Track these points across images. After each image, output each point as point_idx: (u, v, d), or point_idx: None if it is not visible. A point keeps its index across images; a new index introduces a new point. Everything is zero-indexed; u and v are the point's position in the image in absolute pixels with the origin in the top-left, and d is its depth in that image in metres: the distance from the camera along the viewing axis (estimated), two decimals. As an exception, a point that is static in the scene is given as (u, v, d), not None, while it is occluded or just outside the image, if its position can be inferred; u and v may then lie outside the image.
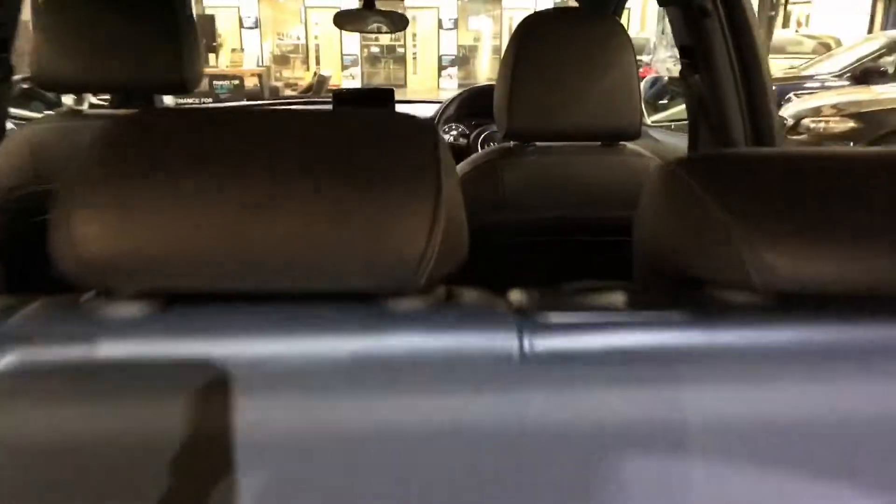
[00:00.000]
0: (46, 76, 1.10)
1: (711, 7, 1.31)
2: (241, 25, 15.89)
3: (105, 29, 1.10)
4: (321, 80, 10.50)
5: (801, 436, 0.45)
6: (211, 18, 10.93)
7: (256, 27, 16.10)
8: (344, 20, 2.08)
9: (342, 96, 2.41)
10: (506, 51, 1.21)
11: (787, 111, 6.26)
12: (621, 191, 1.24)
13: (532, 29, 1.19)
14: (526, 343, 0.45)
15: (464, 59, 18.39)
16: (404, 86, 17.97)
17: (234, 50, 13.64)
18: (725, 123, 1.38)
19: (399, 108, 2.44)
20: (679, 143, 1.69)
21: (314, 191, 0.43)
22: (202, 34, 9.28)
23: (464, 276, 1.33)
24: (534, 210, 1.24)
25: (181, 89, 1.16)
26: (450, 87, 17.63)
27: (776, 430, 0.45)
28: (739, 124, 1.37)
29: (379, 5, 2.09)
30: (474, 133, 2.23)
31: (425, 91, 17.17)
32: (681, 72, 1.48)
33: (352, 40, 15.89)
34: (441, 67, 17.83)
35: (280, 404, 0.43)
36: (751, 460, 0.45)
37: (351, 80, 17.26)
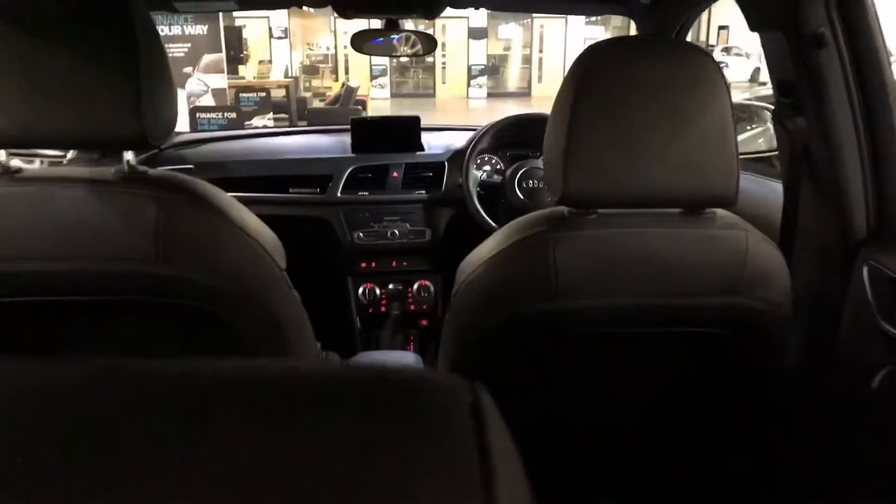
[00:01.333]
0: None
1: (830, 35, 1.01)
2: (271, 36, 15.86)
3: (43, 67, 0.84)
4: (349, 91, 10.32)
5: None
6: (238, 30, 10.81)
7: (286, 37, 16.06)
8: (363, 43, 1.81)
9: (362, 125, 2.14)
10: (560, 91, 0.93)
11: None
12: (710, 272, 0.95)
13: (595, 64, 0.90)
14: None
15: (493, 69, 18.15)
16: (433, 95, 17.79)
17: (261, 62, 13.55)
18: (839, 179, 1.08)
19: (426, 135, 2.16)
20: (768, 194, 1.38)
21: None
22: (229, 46, 9.15)
23: (512, 373, 1.01)
24: (593, 297, 0.95)
25: (140, 144, 0.90)
26: (479, 97, 17.41)
27: None
28: (858, 183, 1.07)
29: (408, 25, 1.82)
30: (511, 169, 1.94)
31: (454, 100, 16.96)
32: (776, 111, 1.18)
33: (380, 50, 15.75)
34: (470, 77, 17.61)
35: None
36: None
37: (380, 90, 17.13)
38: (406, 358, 1.44)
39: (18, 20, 0.84)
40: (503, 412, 1.06)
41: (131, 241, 0.90)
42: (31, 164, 1.06)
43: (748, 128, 2.46)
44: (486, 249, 1.02)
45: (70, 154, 1.74)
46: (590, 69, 0.90)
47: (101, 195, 0.90)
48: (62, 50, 0.84)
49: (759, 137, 2.34)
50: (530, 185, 1.92)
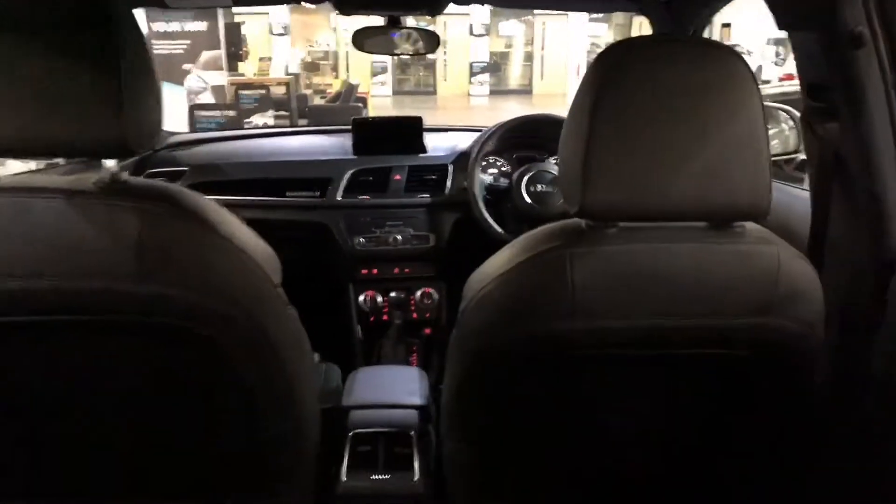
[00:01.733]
0: None
1: (868, 34, 0.93)
2: (271, 32, 15.78)
3: (16, 75, 0.78)
4: (349, 89, 10.25)
5: None
6: (238, 27, 10.72)
7: (286, 34, 15.98)
8: (364, 40, 1.73)
9: (363, 126, 2.06)
10: (579, 93, 0.86)
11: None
12: (740, 291, 0.88)
13: (617, 65, 0.83)
14: None
15: (495, 66, 18.06)
16: (434, 93, 17.72)
17: (261, 59, 13.45)
18: (875, 192, 1.00)
19: (429, 136, 2.09)
20: (793, 202, 1.31)
21: None
22: (229, 43, 9.06)
23: (523, 397, 0.94)
24: (614, 317, 0.88)
25: (122, 153, 0.83)
26: (480, 94, 17.33)
27: None
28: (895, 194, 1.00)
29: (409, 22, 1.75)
30: (518, 172, 1.87)
31: (456, 97, 16.89)
32: (805, 115, 1.11)
33: (381, 47, 15.67)
34: (472, 74, 17.54)
35: None
36: None
37: (381, 87, 17.06)
38: (409, 373, 1.37)
39: None
40: (513, 439, 0.99)
41: (112, 256, 0.82)
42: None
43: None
44: (497, 264, 0.95)
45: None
46: (611, 70, 0.83)
47: (80, 207, 0.82)
48: (37, 52, 0.78)
49: (773, 139, 2.26)
50: (539, 189, 1.84)
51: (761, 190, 0.84)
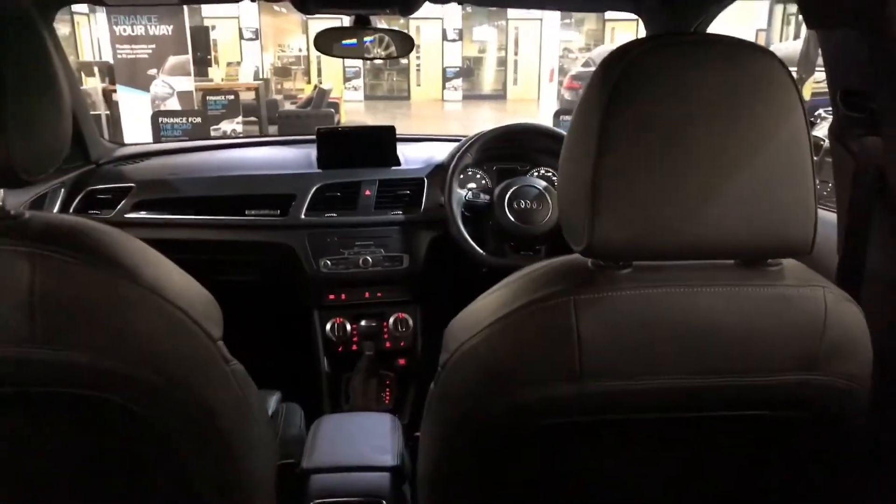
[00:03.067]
0: None
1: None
2: (242, 37, 15.55)
3: None
4: (321, 94, 10.06)
5: None
6: (205, 30, 10.46)
7: (257, 39, 15.76)
8: (328, 41, 1.55)
9: (329, 137, 1.89)
10: (583, 104, 0.70)
11: (821, 130, 5.78)
12: (780, 343, 0.73)
13: (631, 71, 0.67)
14: None
15: (468, 71, 17.98)
16: (408, 98, 17.58)
17: (230, 63, 13.19)
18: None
19: (402, 147, 1.92)
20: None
21: None
22: (196, 47, 8.80)
23: (518, 473, 0.75)
24: (630, 376, 0.72)
25: (8, 181, 0.65)
26: (454, 99, 17.23)
27: None
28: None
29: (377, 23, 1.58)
30: (500, 187, 1.71)
31: (429, 103, 16.77)
32: (836, 129, 0.96)
33: (354, 52, 15.53)
34: (445, 79, 17.43)
35: None
36: None
37: (353, 92, 16.88)
38: (379, 423, 1.19)
39: None
40: None
41: (1, 314, 0.65)
42: None
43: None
44: (485, 310, 0.78)
45: None
46: (625, 78, 0.67)
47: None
48: None
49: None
50: (523, 206, 1.68)
51: (805, 220, 0.69)
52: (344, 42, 1.55)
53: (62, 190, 1.67)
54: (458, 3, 1.59)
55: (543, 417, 0.75)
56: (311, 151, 1.91)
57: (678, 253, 0.71)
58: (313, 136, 1.91)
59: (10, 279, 0.64)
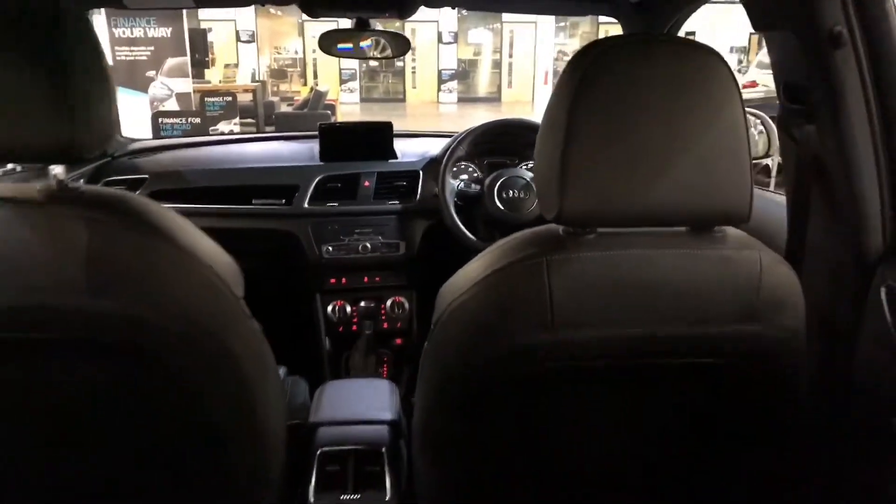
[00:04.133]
0: None
1: (847, 34, 0.92)
2: (238, 39, 15.63)
3: None
4: (317, 95, 10.16)
5: None
6: (203, 33, 10.56)
7: (253, 41, 15.84)
8: (332, 44, 1.68)
9: (331, 132, 2.01)
10: (555, 95, 0.83)
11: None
12: (723, 298, 0.85)
13: (595, 66, 0.80)
14: None
15: (463, 73, 18.10)
16: (403, 100, 17.69)
17: (227, 65, 13.29)
18: (853, 194, 0.99)
19: (399, 142, 2.05)
20: (769, 206, 1.29)
21: None
22: (194, 49, 8.90)
23: (501, 415, 0.88)
24: (594, 326, 0.84)
25: (71, 157, 0.77)
26: (449, 101, 17.34)
27: None
28: (875, 197, 0.98)
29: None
30: (490, 178, 1.84)
31: (424, 105, 16.88)
32: (781, 117, 1.09)
33: (350, 54, 15.61)
34: (441, 81, 17.55)
35: None
36: None
37: (349, 94, 16.97)
38: (379, 386, 1.31)
39: None
40: (489, 458, 0.93)
41: (60, 270, 0.77)
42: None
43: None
44: (470, 273, 0.90)
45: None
46: (589, 71, 0.79)
47: (25, 217, 0.77)
48: None
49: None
50: (511, 195, 1.81)
51: (743, 193, 0.82)
52: (340, 46, 1.67)
53: (81, 181, 1.79)
54: (452, 7, 1.71)
55: (524, 364, 0.87)
56: (313, 146, 2.03)
57: (636, 221, 0.83)
58: (314, 132, 2.04)
59: (69, 240, 0.76)
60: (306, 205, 1.88)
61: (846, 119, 0.96)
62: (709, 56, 0.81)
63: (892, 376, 0.95)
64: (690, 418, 0.98)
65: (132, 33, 7.99)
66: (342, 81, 16.94)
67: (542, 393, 0.92)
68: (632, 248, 0.84)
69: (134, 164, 1.94)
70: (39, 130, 0.74)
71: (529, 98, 17.43)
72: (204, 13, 13.48)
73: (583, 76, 0.79)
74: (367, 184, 1.93)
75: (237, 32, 15.57)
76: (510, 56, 18.07)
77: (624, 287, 0.84)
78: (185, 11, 7.91)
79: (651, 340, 0.86)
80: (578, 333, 0.84)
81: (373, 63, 17.28)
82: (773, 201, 1.33)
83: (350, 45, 1.66)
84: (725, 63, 0.82)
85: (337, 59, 16.36)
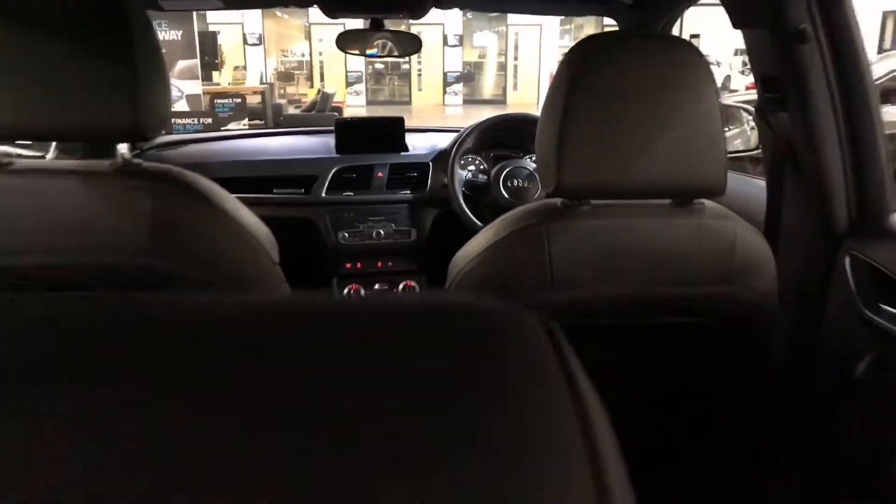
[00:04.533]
0: None
1: (811, 30, 1.04)
2: (246, 42, 15.78)
3: (42, 62, 0.84)
4: (324, 98, 10.31)
5: None
6: (213, 36, 10.73)
7: (260, 44, 15.98)
8: (348, 42, 1.81)
9: (346, 126, 2.14)
10: (553, 85, 0.95)
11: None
12: (701, 262, 0.97)
13: (587, 58, 0.92)
14: None
15: (468, 76, 18.22)
16: (409, 103, 17.81)
17: (236, 67, 13.46)
18: (821, 173, 1.10)
19: (410, 136, 2.17)
20: (747, 188, 1.42)
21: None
22: (203, 52, 9.07)
23: None
24: (587, 287, 0.96)
25: (137, 136, 0.90)
26: (455, 104, 17.46)
27: None
28: (839, 175, 1.10)
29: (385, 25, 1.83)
30: (496, 168, 1.96)
31: (430, 108, 17.00)
32: (759, 107, 1.21)
33: (356, 57, 15.75)
34: (446, 84, 17.66)
35: None
36: None
37: (355, 97, 17.11)
38: None
39: (20, 20, 0.84)
40: None
41: (126, 232, 0.89)
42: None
43: (726, 129, 2.51)
44: (479, 242, 1.03)
45: (51, 152, 1.72)
46: (583, 62, 0.92)
47: (96, 186, 0.89)
48: (62, 47, 0.84)
49: (735, 138, 2.39)
50: (515, 184, 1.93)
51: (717, 169, 0.93)
52: (360, 41, 1.81)
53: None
54: (459, 8, 1.83)
55: None
56: (328, 140, 2.16)
57: (624, 194, 0.95)
58: (329, 128, 2.16)
59: (137, 206, 0.89)
60: (324, 194, 2.00)
61: (812, 106, 1.08)
62: (687, 50, 0.93)
63: (856, 334, 1.07)
64: (673, 375, 1.09)
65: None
66: (348, 84, 17.07)
67: None
68: (621, 217, 0.96)
69: (162, 156, 2.06)
70: (110, 114, 0.87)
71: (534, 100, 17.52)
72: (212, 16, 13.66)
73: (577, 67, 0.91)
74: (380, 175, 2.06)
75: (244, 35, 15.72)
76: (515, 59, 18.17)
77: (613, 252, 0.96)
78: (194, 14, 8.05)
79: (637, 299, 0.98)
80: (575, 293, 0.96)
81: (378, 65, 17.44)
82: (757, 185, 1.44)
83: (366, 43, 1.79)
84: (702, 56, 0.94)
85: (343, 62, 16.34)
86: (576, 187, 0.94)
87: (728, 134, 2.55)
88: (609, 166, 0.92)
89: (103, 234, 0.89)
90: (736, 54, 14.44)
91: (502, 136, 2.09)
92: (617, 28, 1.81)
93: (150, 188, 0.90)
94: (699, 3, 1.57)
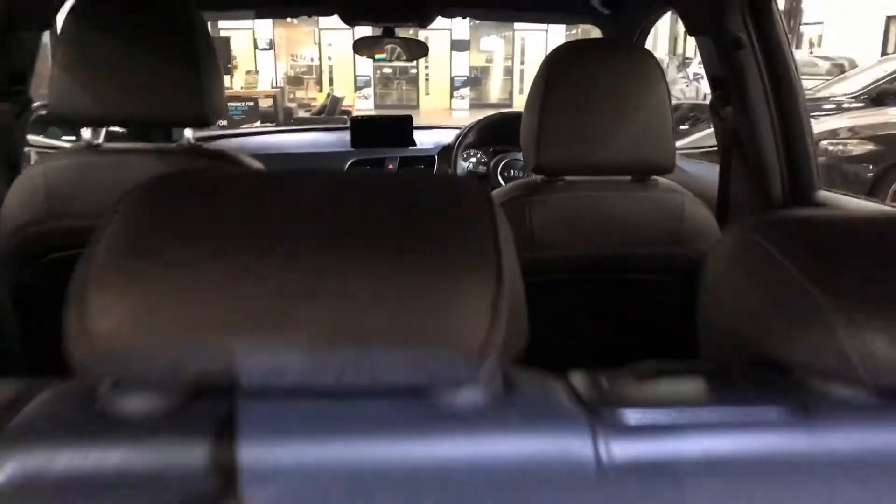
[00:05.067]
0: (64, 109, 1.07)
1: (746, 38, 1.26)
2: (256, 47, 16.02)
3: (124, 61, 1.08)
4: (334, 101, 10.54)
5: None
6: (226, 41, 11.02)
7: (271, 49, 16.23)
8: (363, 46, 2.05)
9: (360, 123, 2.38)
10: (534, 83, 1.17)
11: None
12: (654, 228, 1.19)
13: (562, 61, 1.15)
14: (602, 449, 0.40)
15: (475, 81, 18.43)
16: (417, 107, 18.03)
17: (248, 72, 13.75)
18: (759, 157, 1.33)
19: (417, 133, 2.41)
20: (707, 173, 1.64)
21: (364, 271, 0.39)
22: (217, 56, 9.35)
23: None
24: (562, 248, 1.19)
25: (203, 122, 1.13)
26: (462, 108, 17.68)
27: None
28: (774, 158, 1.32)
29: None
30: (494, 160, 2.19)
31: (437, 112, 17.23)
32: (711, 102, 1.44)
33: (365, 62, 15.98)
34: (453, 88, 17.87)
35: None
36: None
37: (364, 101, 17.35)
38: None
39: (108, 31, 1.08)
40: None
41: None
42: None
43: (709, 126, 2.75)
44: None
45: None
46: (559, 64, 1.15)
47: (170, 163, 1.13)
48: (141, 50, 1.08)
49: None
50: (511, 174, 2.16)
51: (667, 151, 1.16)
52: (375, 45, 2.05)
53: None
54: (461, 17, 2.07)
55: None
56: (343, 135, 2.40)
57: (592, 171, 1.18)
58: (341, 125, 2.41)
59: None
60: None
61: (750, 100, 1.31)
62: (643, 56, 1.16)
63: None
64: (634, 322, 1.32)
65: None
66: (357, 88, 17.31)
67: (530, 299, 1.27)
68: (589, 191, 1.19)
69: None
70: (180, 105, 1.10)
71: (540, 104, 17.63)
72: (224, 22, 13.94)
73: (554, 69, 1.14)
74: (391, 166, 2.29)
75: (255, 41, 15.98)
76: (521, 63, 18.36)
77: (583, 219, 1.19)
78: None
79: (603, 258, 1.21)
80: (551, 253, 1.19)
81: (387, 70, 17.69)
82: (715, 169, 1.67)
83: (379, 47, 2.04)
84: (655, 60, 1.17)
85: (352, 66, 16.56)
86: (552, 166, 1.16)
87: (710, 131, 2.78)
88: (579, 149, 1.15)
89: None
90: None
91: (500, 132, 2.32)
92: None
93: (212, 165, 1.13)
94: (667, 13, 1.80)
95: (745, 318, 0.51)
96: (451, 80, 17.82)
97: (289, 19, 17.00)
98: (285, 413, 0.40)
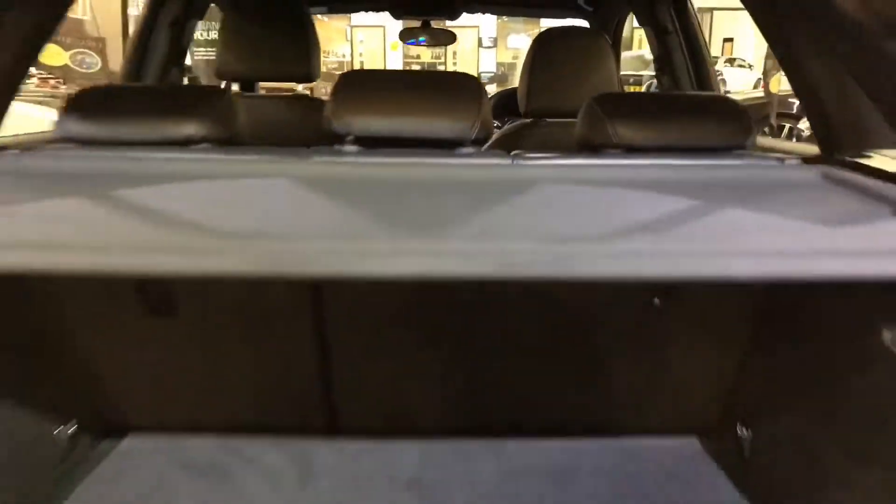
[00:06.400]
0: (228, 71, 1.71)
1: (672, 28, 1.86)
2: (291, 43, 16.54)
3: (263, 36, 1.70)
4: (366, 94, 11.12)
5: None
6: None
7: (305, 45, 16.75)
8: (406, 35, 2.69)
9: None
10: (528, 54, 1.77)
11: (805, 123, 6.73)
12: None
13: (545, 40, 1.75)
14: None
15: (502, 77, 18.80)
16: (444, 101, 18.42)
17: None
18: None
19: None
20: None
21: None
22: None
23: None
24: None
25: (308, 79, 1.75)
26: (488, 103, 18.08)
27: None
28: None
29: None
30: (506, 126, 2.79)
31: (464, 106, 17.61)
32: (657, 76, 2.03)
33: (395, 57, 16.59)
34: (480, 83, 18.24)
35: None
36: None
37: (393, 95, 17.77)
38: None
39: (245, 13, 1.70)
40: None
41: (307, 129, 1.74)
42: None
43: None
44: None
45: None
46: (544, 42, 1.75)
47: (296, 106, 1.75)
48: (272, 33, 1.71)
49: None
50: None
51: None
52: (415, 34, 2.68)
53: None
54: (472, 13, 2.70)
55: None
56: None
57: (563, 115, 1.77)
58: None
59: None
60: None
61: (678, 76, 1.89)
62: (597, 38, 1.75)
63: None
64: None
65: (208, 35, 9.07)
66: (387, 82, 17.74)
67: None
68: (561, 128, 1.79)
69: None
70: (293, 65, 1.73)
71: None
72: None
73: (540, 46, 1.74)
74: None
75: (291, 37, 16.52)
76: (546, 60, 18.67)
77: (554, 146, 1.78)
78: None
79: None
80: None
81: (415, 66, 18.25)
82: None
83: (419, 34, 2.68)
84: (606, 41, 1.76)
85: (382, 61, 17.06)
86: (538, 110, 1.77)
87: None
88: (556, 99, 1.74)
89: (297, 133, 1.74)
90: (767, 58, 14.76)
91: (512, 105, 2.92)
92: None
93: (311, 107, 1.76)
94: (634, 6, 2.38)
95: None
96: (479, 75, 18.08)
97: (320, 16, 17.48)
98: None
